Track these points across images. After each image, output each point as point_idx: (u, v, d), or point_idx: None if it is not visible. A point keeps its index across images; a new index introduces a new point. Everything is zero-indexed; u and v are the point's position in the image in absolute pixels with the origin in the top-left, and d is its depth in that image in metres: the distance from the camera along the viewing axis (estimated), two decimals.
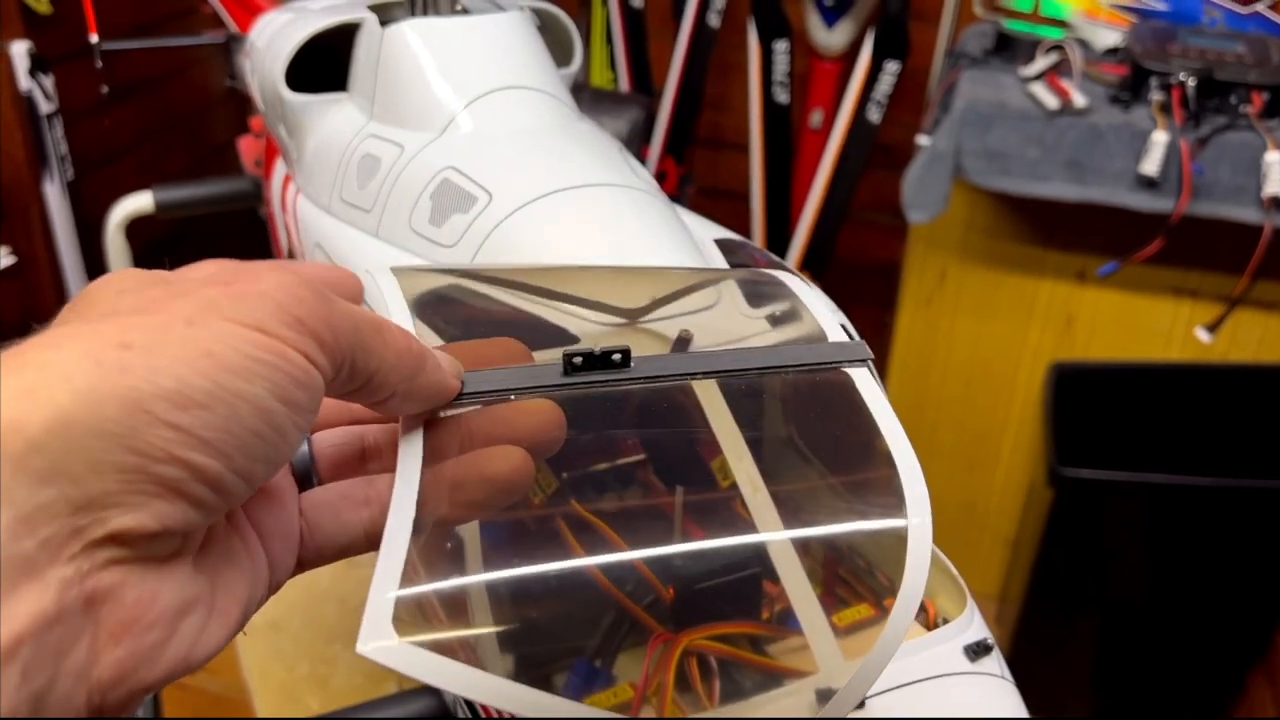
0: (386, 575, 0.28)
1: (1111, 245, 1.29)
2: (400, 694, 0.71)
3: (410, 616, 0.27)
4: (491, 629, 0.31)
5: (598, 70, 1.96)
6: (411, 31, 0.64)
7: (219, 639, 0.27)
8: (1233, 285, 1.25)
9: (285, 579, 0.31)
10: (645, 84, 1.96)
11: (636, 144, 1.58)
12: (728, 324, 0.42)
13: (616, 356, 0.33)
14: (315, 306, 0.27)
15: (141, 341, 0.24)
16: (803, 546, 0.57)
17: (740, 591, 0.46)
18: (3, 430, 0.22)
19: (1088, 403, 1.35)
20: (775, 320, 0.41)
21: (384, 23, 0.66)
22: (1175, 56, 1.22)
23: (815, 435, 0.39)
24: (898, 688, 0.37)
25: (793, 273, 0.43)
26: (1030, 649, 1.39)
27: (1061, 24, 1.37)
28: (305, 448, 0.34)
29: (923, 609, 0.43)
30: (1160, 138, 1.17)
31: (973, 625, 0.40)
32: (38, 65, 1.59)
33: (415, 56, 0.64)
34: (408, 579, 0.28)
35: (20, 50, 1.57)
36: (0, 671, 0.21)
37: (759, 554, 0.46)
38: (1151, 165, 1.17)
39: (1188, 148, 1.17)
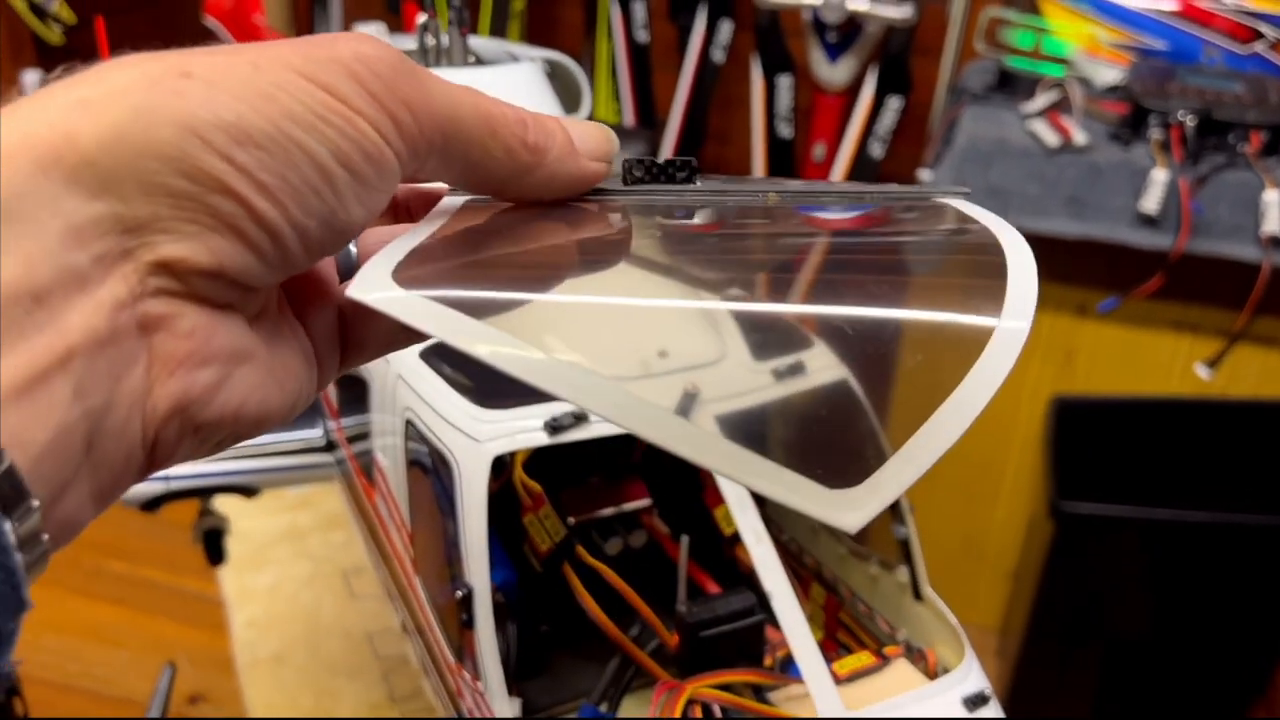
0: (393, 249, 0.25)
1: (1112, 281, 1.30)
2: None
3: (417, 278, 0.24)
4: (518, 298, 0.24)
5: (602, 103, 1.98)
6: None
7: (274, 405, 0.25)
8: (1232, 321, 1.26)
9: (331, 377, 0.29)
10: (649, 117, 1.98)
11: None
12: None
13: (682, 174, 0.30)
14: (396, 82, 0.24)
15: (203, 73, 0.22)
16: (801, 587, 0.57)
17: (744, 638, 0.47)
18: (56, 140, 0.20)
19: (1088, 437, 1.36)
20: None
21: None
22: (1175, 95, 1.24)
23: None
24: None
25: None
26: (1032, 682, 1.39)
27: (1062, 61, 1.39)
28: (350, 246, 0.31)
29: (923, 657, 0.44)
30: (1160, 176, 1.18)
31: (971, 675, 0.40)
32: None
33: None
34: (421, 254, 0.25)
35: (32, 79, 1.58)
36: (53, 382, 0.20)
37: (762, 600, 0.47)
38: (1151, 203, 1.19)
39: (1187, 186, 1.18)
